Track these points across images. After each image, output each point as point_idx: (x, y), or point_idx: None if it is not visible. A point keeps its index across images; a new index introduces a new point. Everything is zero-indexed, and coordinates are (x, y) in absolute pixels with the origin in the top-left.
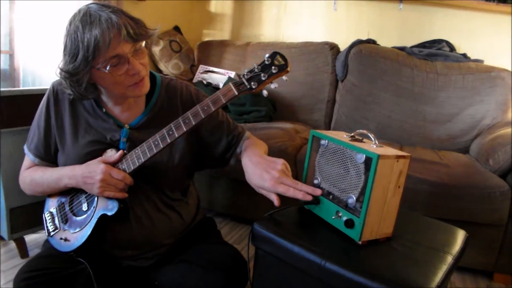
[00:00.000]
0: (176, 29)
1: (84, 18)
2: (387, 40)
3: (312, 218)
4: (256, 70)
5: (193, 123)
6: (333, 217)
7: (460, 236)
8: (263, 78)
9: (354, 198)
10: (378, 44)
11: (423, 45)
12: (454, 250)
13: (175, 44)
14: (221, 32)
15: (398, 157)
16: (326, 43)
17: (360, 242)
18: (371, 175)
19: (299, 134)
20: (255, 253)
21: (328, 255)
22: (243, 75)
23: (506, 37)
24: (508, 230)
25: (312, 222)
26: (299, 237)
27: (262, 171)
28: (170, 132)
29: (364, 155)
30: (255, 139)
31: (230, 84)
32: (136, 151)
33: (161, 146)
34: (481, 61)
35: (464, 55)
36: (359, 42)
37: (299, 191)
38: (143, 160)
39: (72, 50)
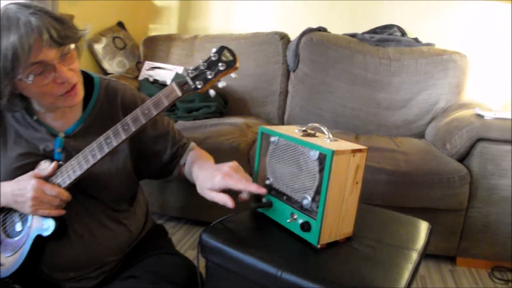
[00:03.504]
0: (120, 25)
1: (1, 23)
2: (337, 27)
3: (266, 223)
4: (201, 67)
5: (133, 129)
6: (288, 220)
7: (424, 228)
8: (209, 77)
9: (310, 199)
10: (328, 32)
11: (374, 31)
12: (419, 245)
13: (119, 41)
14: (167, 26)
15: (354, 151)
16: (276, 33)
17: (318, 246)
18: (326, 172)
19: (251, 129)
20: (206, 265)
21: (284, 264)
22: (188, 73)
23: (455, 19)
24: (468, 214)
25: (266, 227)
26: (252, 246)
27: (212, 170)
28: (108, 141)
29: (318, 152)
30: (202, 151)
31: (173, 84)
32: (72, 162)
33: (99, 156)
34: (433, 45)
35: (416, 39)
36: (309, 31)
37: (252, 184)
38: (79, 173)
39: None
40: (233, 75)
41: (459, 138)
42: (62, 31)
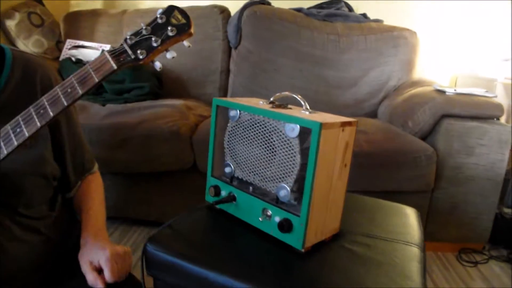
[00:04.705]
0: None
1: None
2: (281, 1)
3: (229, 223)
4: (144, 32)
5: (51, 114)
6: (260, 219)
7: (413, 216)
8: (154, 45)
9: (288, 189)
10: (272, 6)
11: (320, 6)
12: (416, 238)
13: (36, 17)
14: (92, 2)
15: (344, 124)
16: (215, 6)
17: (303, 250)
18: (312, 153)
19: (192, 111)
20: (154, 285)
21: (260, 280)
22: (125, 39)
23: None
24: (434, 195)
25: (231, 228)
26: (215, 256)
27: (100, 243)
28: (18, 129)
29: (298, 126)
30: (98, 182)
31: (106, 53)
32: None
33: (5, 151)
34: (381, 21)
35: (364, 15)
36: (252, 3)
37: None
38: None
39: None
40: (186, 43)
41: (421, 114)
42: None
